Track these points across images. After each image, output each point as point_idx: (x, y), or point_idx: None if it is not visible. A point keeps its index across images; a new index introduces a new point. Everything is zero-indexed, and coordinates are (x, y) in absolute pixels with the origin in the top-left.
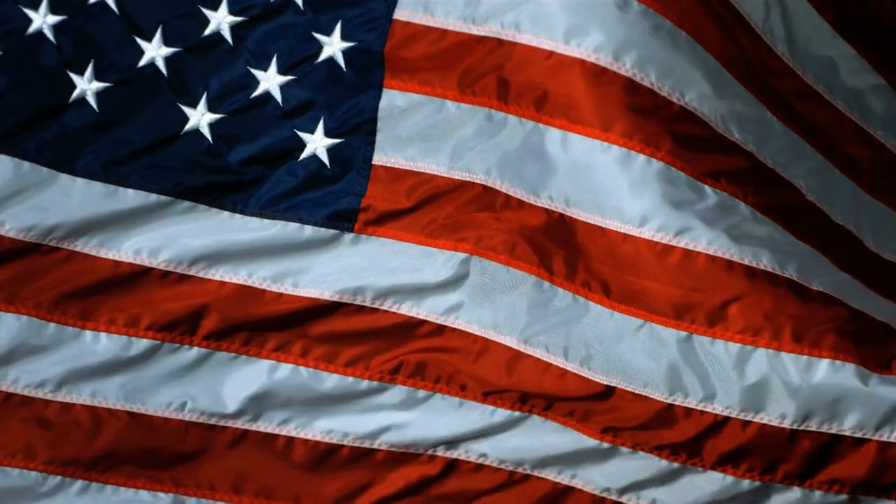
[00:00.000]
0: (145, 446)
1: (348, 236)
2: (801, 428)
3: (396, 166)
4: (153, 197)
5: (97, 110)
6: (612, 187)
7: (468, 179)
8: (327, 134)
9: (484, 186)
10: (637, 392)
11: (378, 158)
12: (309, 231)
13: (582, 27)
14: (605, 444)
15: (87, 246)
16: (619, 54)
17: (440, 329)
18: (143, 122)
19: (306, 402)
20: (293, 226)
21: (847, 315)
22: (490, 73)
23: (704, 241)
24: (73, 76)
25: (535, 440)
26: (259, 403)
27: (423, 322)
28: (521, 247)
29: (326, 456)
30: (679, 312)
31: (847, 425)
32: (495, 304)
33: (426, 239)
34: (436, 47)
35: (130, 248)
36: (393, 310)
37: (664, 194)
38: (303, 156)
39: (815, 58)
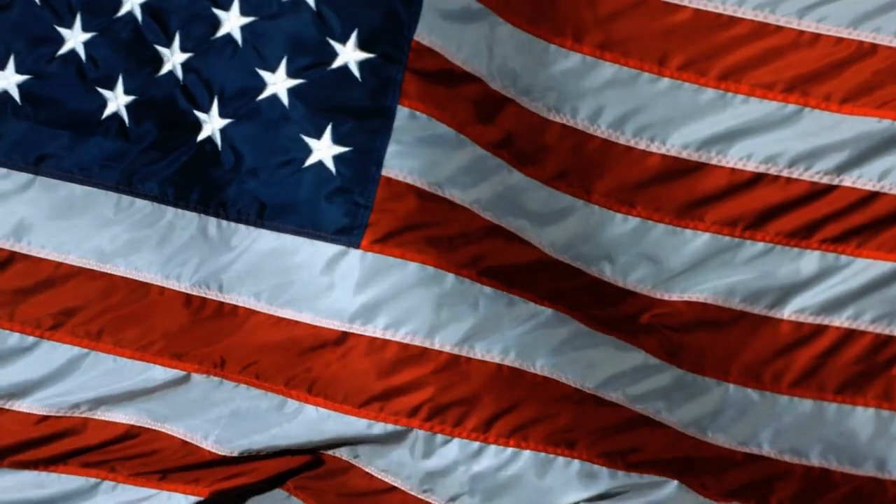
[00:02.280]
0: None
1: (355, 253)
2: None
3: (405, 180)
4: (178, 213)
5: (128, 125)
6: None
7: (476, 211)
8: (336, 142)
9: (490, 224)
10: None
11: (387, 171)
12: (316, 246)
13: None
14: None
15: (129, 270)
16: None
17: (454, 360)
18: (166, 133)
19: (323, 441)
20: (300, 240)
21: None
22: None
23: None
24: (104, 92)
25: (564, 481)
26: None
27: (439, 353)
28: (521, 276)
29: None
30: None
31: None
32: (505, 334)
33: (434, 260)
34: (447, 79)
35: (160, 272)
36: (406, 341)
37: None
38: (308, 162)
39: None
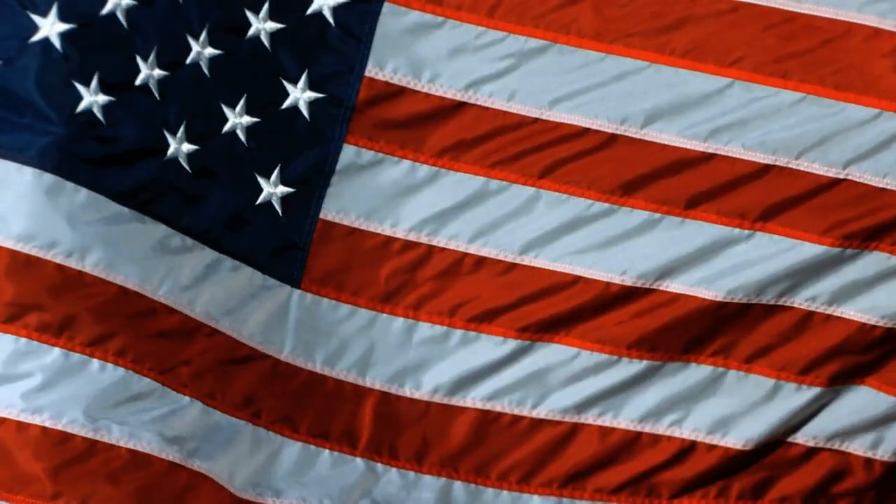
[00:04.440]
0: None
1: (296, 293)
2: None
3: (347, 223)
4: (134, 213)
5: (104, 123)
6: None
7: (423, 242)
8: (283, 182)
9: (429, 246)
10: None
11: (327, 214)
12: (259, 279)
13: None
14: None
15: (90, 266)
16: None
17: (390, 397)
18: (136, 139)
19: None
20: (247, 270)
21: None
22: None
23: None
24: (80, 87)
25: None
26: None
27: (369, 390)
28: (466, 308)
29: None
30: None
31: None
32: (440, 370)
33: (371, 303)
34: (409, 107)
35: (126, 273)
36: (340, 377)
37: None
38: (259, 200)
39: None
